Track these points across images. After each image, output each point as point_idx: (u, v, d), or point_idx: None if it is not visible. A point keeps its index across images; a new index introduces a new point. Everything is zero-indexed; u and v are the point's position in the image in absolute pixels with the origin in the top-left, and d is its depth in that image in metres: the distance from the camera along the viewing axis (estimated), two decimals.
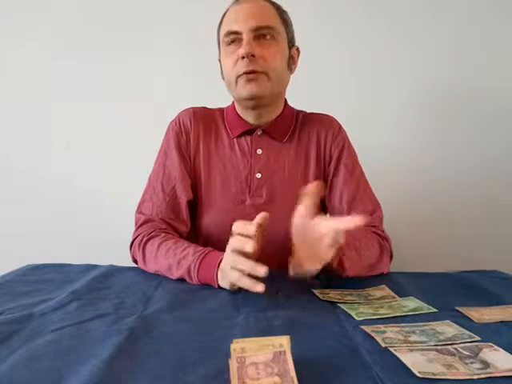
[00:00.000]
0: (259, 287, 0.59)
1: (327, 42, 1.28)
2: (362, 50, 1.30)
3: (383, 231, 0.87)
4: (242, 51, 0.79)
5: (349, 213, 0.86)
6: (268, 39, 0.82)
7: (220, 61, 0.89)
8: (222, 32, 0.84)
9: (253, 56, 0.79)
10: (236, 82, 0.82)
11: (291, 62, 0.88)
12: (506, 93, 1.32)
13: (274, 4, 0.86)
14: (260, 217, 0.62)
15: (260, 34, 0.81)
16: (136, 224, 0.86)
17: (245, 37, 0.80)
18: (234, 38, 0.82)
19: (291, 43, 0.88)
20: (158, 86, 1.32)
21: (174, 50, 1.31)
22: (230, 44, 0.83)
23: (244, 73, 0.80)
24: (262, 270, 0.59)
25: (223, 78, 0.89)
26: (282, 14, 0.86)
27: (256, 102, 0.84)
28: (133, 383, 0.40)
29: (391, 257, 0.86)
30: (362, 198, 0.88)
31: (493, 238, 1.33)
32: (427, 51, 1.30)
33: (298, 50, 0.91)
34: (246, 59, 0.79)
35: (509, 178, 1.33)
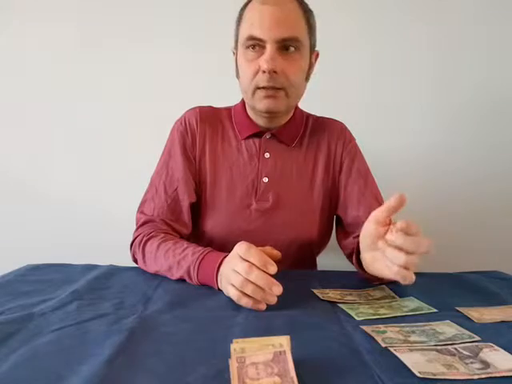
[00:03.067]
0: (261, 306, 0.58)
1: (332, 43, 1.27)
2: (369, 50, 1.30)
3: None
4: (264, 66, 0.75)
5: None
6: (292, 52, 0.78)
7: (235, 54, 0.85)
8: (243, 33, 0.79)
9: (275, 72, 0.76)
10: (253, 93, 0.80)
11: (309, 69, 0.85)
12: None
13: (301, 5, 0.80)
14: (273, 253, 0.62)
15: (285, 45, 0.77)
16: (137, 224, 0.86)
17: (268, 48, 0.75)
18: (256, 43, 0.77)
19: (312, 49, 0.84)
20: (159, 86, 1.32)
21: (175, 48, 1.31)
22: (249, 48, 0.78)
23: (263, 87, 0.78)
24: (272, 268, 0.57)
25: (237, 77, 0.86)
26: (308, 18, 0.80)
27: (270, 115, 0.83)
28: (133, 383, 0.40)
29: None
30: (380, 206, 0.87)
31: (493, 238, 1.33)
32: (433, 50, 1.30)
33: (317, 54, 0.87)
34: (267, 74, 0.76)
35: (510, 179, 1.33)
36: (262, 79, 0.77)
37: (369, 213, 0.84)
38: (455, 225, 1.33)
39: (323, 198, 0.89)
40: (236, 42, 0.84)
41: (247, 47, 0.79)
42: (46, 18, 1.31)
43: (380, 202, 0.89)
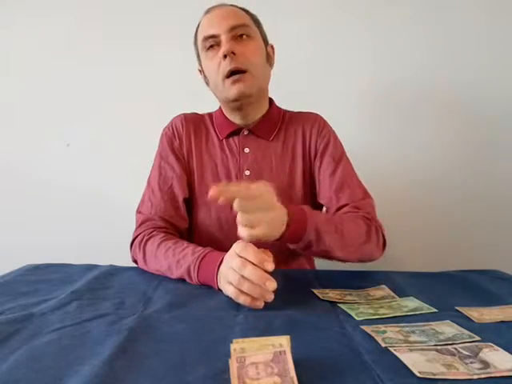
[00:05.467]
0: (259, 303, 0.58)
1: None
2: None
3: (374, 216, 0.85)
4: (222, 50, 0.81)
5: (337, 200, 0.86)
6: (245, 38, 0.84)
7: (201, 71, 0.93)
8: (200, 39, 0.87)
9: (233, 53, 0.81)
10: (223, 83, 0.84)
11: (269, 59, 0.91)
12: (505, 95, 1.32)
13: (242, 8, 0.89)
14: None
15: (236, 33, 0.83)
16: (136, 224, 0.87)
17: (223, 38, 0.83)
18: (213, 41, 0.84)
19: (265, 42, 0.91)
20: (159, 85, 1.32)
21: (174, 49, 1.31)
22: (209, 49, 0.85)
23: (229, 71, 0.82)
24: (269, 265, 0.58)
25: (207, 84, 0.92)
26: (252, 16, 0.90)
27: (243, 102, 0.86)
28: (133, 383, 0.40)
29: (384, 244, 0.84)
30: (350, 186, 0.88)
31: (493, 238, 1.32)
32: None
33: (272, 47, 0.94)
34: (228, 58, 0.81)
35: (509, 178, 1.33)
36: (225, 65, 0.82)
37: (335, 193, 0.86)
38: (455, 224, 1.33)
39: (304, 186, 0.92)
40: (198, 57, 0.92)
41: (207, 49, 0.86)
42: (45, 17, 1.31)
43: (350, 186, 0.88)
